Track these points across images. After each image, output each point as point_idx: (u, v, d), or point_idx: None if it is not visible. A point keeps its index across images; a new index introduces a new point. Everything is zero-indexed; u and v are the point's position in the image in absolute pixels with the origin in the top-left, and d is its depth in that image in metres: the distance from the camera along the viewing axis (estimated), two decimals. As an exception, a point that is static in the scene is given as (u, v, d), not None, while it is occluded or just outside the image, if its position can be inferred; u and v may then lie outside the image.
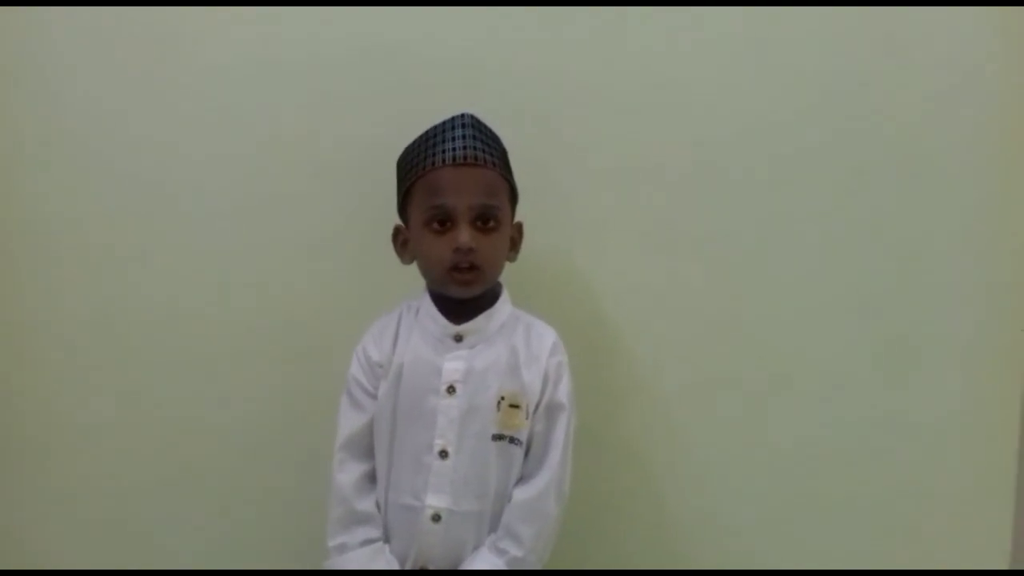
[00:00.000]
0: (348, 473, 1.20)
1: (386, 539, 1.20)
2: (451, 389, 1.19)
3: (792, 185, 1.40)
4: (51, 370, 1.45)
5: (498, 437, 1.18)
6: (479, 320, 1.22)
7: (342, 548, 1.19)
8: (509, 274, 1.25)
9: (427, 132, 1.21)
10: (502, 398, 1.19)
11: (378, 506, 1.21)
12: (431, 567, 1.18)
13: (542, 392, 1.20)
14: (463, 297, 1.20)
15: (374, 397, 1.22)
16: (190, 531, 1.45)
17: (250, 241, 1.42)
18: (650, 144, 1.40)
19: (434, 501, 1.17)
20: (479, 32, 1.38)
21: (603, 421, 1.38)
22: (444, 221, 1.17)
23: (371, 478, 1.22)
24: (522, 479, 1.20)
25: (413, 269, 1.25)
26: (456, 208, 1.16)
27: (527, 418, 1.19)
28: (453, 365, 1.20)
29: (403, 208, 1.24)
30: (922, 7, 1.36)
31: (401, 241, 1.25)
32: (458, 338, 1.21)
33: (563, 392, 1.21)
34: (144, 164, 1.42)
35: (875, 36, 1.37)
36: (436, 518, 1.17)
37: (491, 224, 1.18)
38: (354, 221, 1.40)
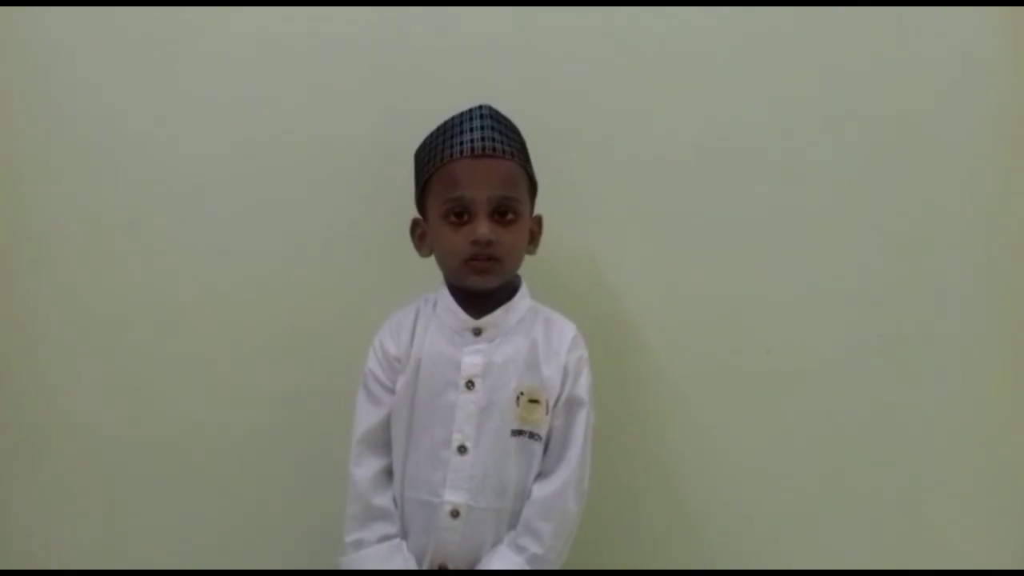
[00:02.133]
0: (365, 468, 1.19)
1: (403, 535, 1.18)
2: (470, 384, 1.17)
3: (806, 180, 1.39)
4: (53, 369, 1.44)
5: (517, 432, 1.17)
6: (498, 314, 1.20)
7: (359, 544, 1.17)
8: (526, 268, 1.23)
9: (445, 123, 1.19)
10: (521, 393, 1.17)
11: (395, 502, 1.19)
12: (450, 565, 1.16)
13: (562, 387, 1.18)
14: (481, 288, 1.18)
15: (391, 391, 1.20)
16: (195, 529, 1.44)
17: (256, 239, 1.41)
18: (667, 139, 1.38)
19: (453, 497, 1.16)
20: (493, 27, 1.37)
21: (620, 417, 1.36)
22: (462, 213, 1.16)
23: (388, 473, 1.20)
24: (541, 475, 1.18)
25: (422, 266, 1.23)
26: (474, 200, 1.15)
27: (547, 413, 1.17)
28: (472, 359, 1.18)
29: (421, 200, 1.22)
30: (928, 7, 1.36)
31: (419, 234, 1.23)
32: (477, 332, 1.20)
33: (583, 387, 1.19)
34: (147, 162, 1.41)
35: (882, 32, 1.37)
36: (455, 514, 1.15)
37: (510, 216, 1.17)
38: (362, 218, 1.39)
